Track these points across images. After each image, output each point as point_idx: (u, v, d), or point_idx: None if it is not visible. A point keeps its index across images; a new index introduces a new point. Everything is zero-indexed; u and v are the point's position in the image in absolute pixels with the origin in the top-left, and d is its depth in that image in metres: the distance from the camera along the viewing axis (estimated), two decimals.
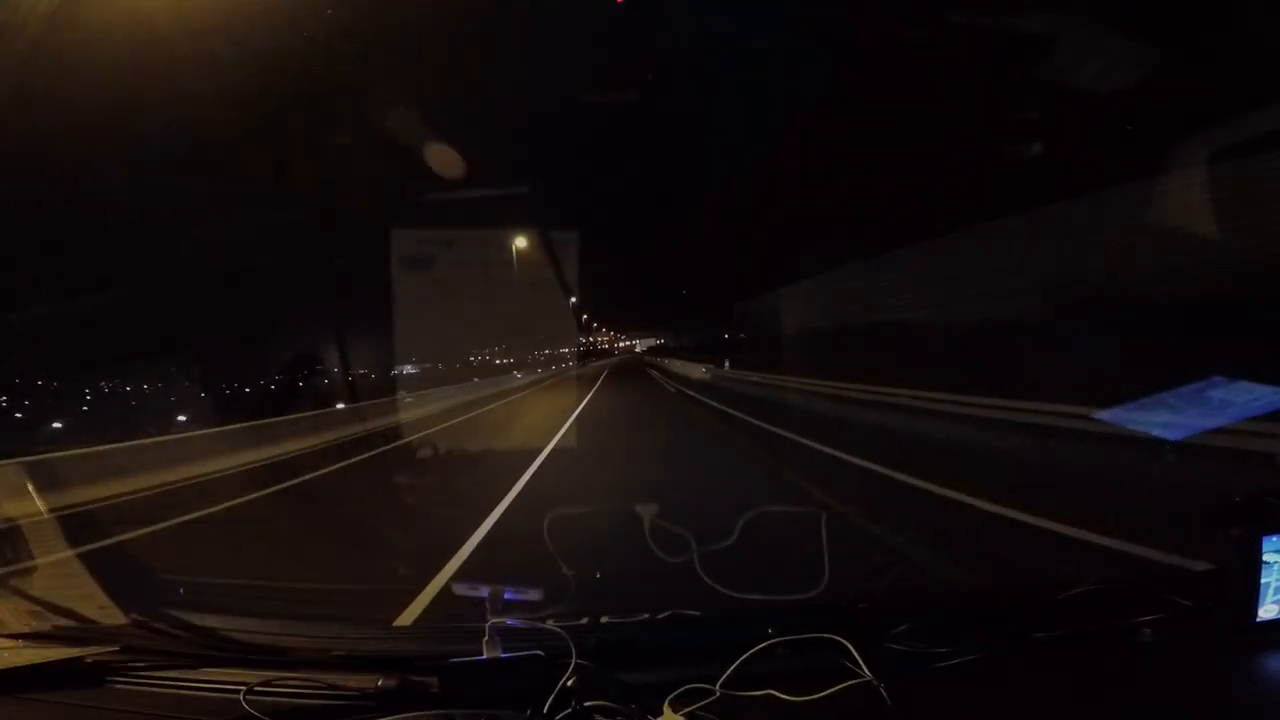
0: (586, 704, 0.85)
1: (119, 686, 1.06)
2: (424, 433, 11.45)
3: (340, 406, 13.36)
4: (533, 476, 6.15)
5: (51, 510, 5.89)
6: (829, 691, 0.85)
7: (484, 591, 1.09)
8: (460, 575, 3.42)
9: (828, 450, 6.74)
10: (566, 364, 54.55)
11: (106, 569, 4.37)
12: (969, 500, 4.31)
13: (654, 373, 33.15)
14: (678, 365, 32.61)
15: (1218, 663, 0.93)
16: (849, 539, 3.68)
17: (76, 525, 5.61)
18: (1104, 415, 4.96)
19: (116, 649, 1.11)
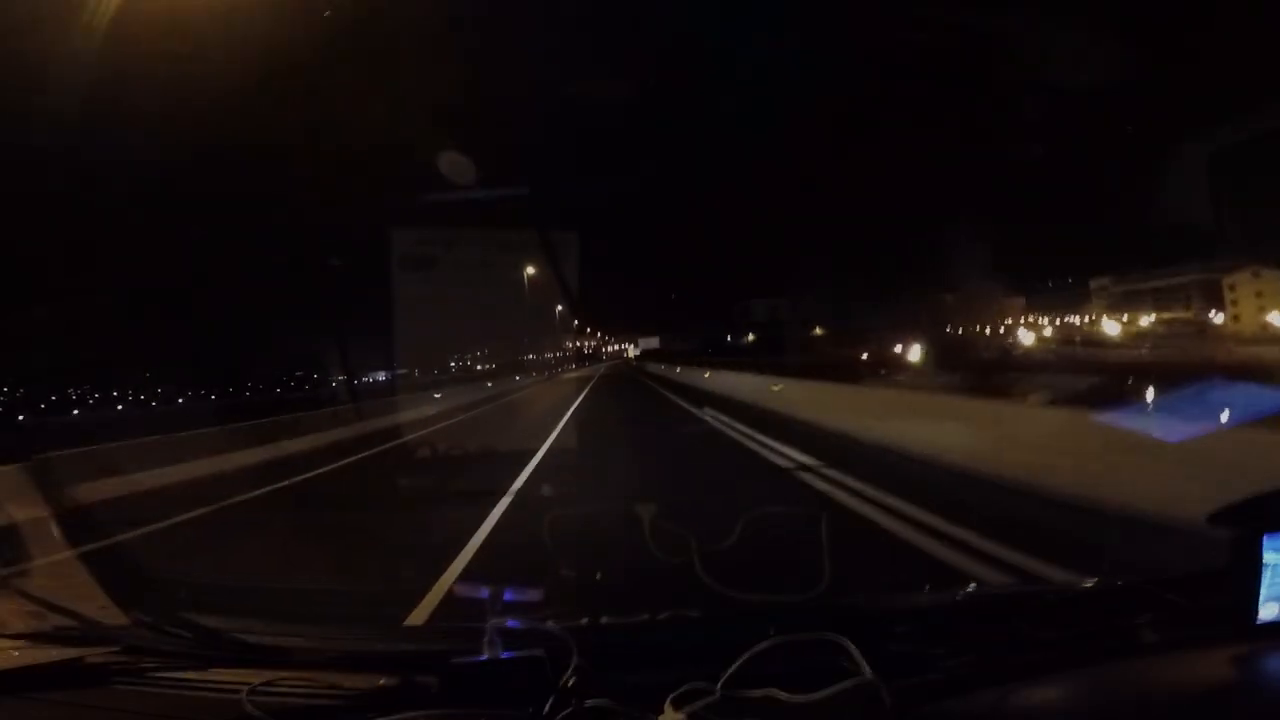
0: (587, 704, 0.85)
1: (120, 687, 1.06)
2: None
3: None
4: None
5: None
6: (829, 692, 0.85)
7: (484, 592, 1.10)
8: None
9: None
10: (534, 374, 43.30)
11: (107, 568, 4.38)
12: None
13: (708, 418, 11.06)
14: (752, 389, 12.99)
15: (1218, 663, 0.93)
16: (850, 539, 3.68)
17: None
18: (1102, 417, 4.94)
19: (117, 649, 1.11)
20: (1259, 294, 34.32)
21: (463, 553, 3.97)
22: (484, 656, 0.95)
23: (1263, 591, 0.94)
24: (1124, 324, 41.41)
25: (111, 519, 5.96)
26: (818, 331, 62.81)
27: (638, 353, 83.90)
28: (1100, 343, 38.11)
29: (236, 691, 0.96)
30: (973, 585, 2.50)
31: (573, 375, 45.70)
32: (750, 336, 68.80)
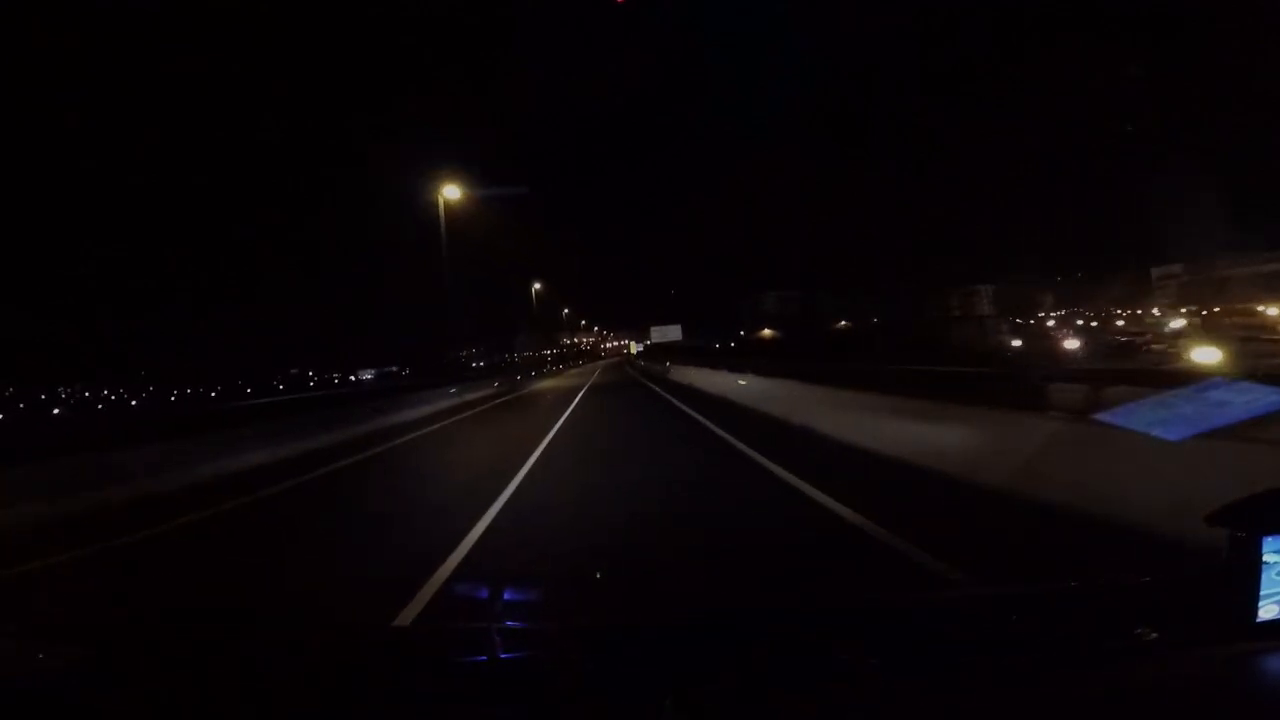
0: (586, 705, 0.85)
1: (119, 687, 1.06)
2: None
3: None
4: None
5: None
6: (830, 692, 0.85)
7: (484, 592, 1.10)
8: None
9: None
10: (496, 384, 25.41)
11: (107, 568, 4.38)
12: None
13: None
14: None
15: (1218, 663, 0.93)
16: (850, 541, 3.68)
17: None
18: (1104, 416, 4.92)
19: (116, 649, 1.11)
20: None
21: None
22: (484, 657, 0.95)
23: (1262, 591, 0.94)
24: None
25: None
26: (843, 324, 60.32)
27: (640, 349, 69.79)
28: None
29: (235, 691, 0.96)
30: (972, 585, 2.50)
31: (550, 385, 28.42)
32: (766, 331, 66.10)
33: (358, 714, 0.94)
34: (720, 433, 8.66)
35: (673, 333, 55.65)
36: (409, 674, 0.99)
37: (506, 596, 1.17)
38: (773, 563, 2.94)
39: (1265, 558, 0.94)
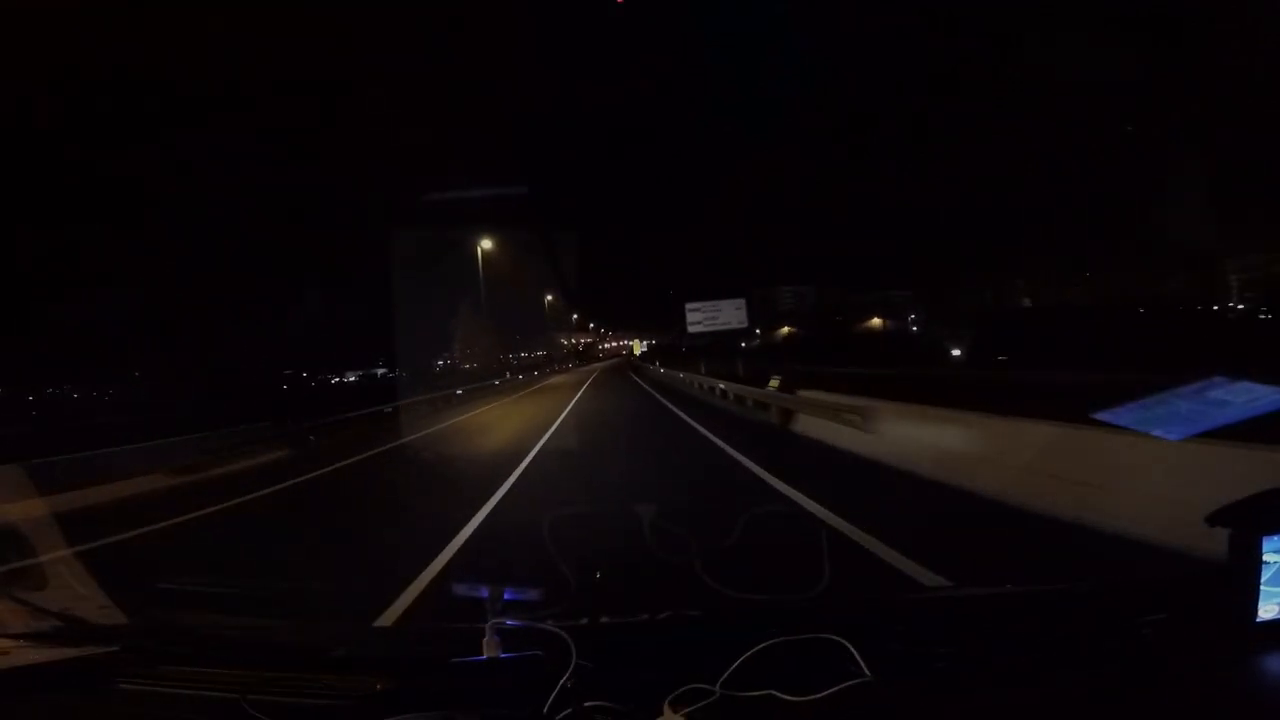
0: (586, 705, 0.85)
1: (119, 687, 1.06)
2: None
3: None
4: None
5: None
6: (829, 692, 0.85)
7: (483, 592, 1.10)
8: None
9: None
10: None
11: (106, 569, 4.37)
12: None
13: None
14: None
15: (1218, 663, 0.93)
16: (849, 541, 3.68)
17: None
18: (1103, 415, 4.90)
19: (116, 649, 1.11)
20: None
21: None
22: (484, 657, 0.95)
23: (1262, 591, 0.94)
24: None
25: None
26: (876, 322, 56.49)
27: (644, 349, 65.26)
28: None
29: (235, 692, 0.96)
30: (972, 586, 2.50)
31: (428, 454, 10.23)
32: (785, 329, 61.67)
33: (356, 714, 0.94)
34: None
35: (729, 313, 27.31)
36: (409, 674, 0.99)
37: (507, 596, 1.16)
38: None
39: (1265, 558, 0.94)
